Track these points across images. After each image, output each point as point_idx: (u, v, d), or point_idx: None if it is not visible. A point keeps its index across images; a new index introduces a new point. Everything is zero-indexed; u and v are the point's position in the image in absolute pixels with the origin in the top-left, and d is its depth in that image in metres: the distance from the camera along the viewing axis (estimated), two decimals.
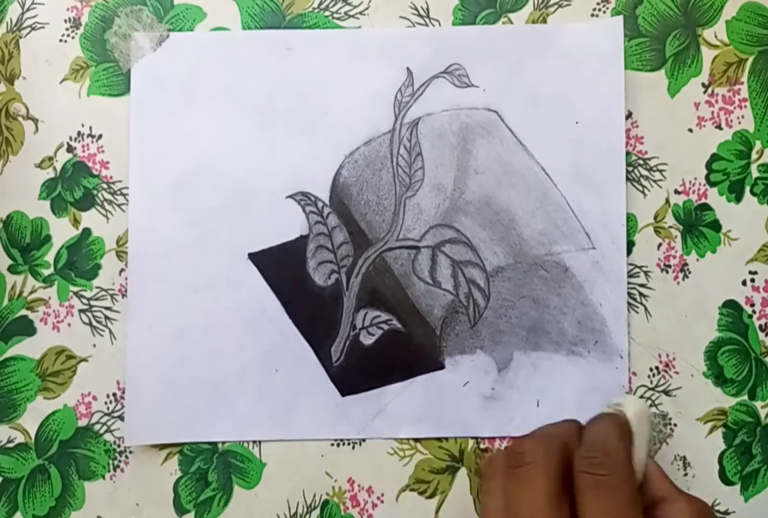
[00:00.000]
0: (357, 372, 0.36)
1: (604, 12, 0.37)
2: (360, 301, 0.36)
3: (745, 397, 0.36)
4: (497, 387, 0.36)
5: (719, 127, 0.37)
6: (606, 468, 0.27)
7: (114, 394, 0.36)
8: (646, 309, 0.36)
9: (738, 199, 0.37)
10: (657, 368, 0.36)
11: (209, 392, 0.36)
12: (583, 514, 0.26)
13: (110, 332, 0.37)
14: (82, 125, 0.38)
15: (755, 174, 0.37)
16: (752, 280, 0.36)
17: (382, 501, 0.36)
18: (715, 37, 0.37)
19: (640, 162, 0.37)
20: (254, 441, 0.36)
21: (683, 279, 0.36)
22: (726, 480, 0.36)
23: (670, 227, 0.37)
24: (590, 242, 0.36)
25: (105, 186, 0.37)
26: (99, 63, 0.38)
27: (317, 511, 0.36)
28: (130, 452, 0.36)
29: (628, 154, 0.37)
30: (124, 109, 0.37)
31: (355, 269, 0.36)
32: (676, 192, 0.37)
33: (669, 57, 0.37)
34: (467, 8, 0.37)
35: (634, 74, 0.37)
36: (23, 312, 0.37)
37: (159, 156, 0.37)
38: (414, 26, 0.37)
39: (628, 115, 0.37)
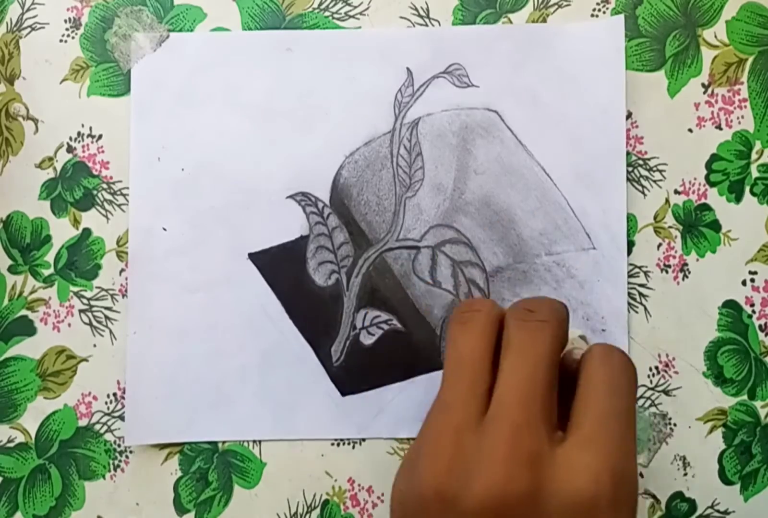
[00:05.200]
0: (357, 372, 0.36)
1: (604, 12, 0.37)
2: (360, 301, 0.36)
3: (745, 397, 0.36)
4: None
5: (719, 127, 0.37)
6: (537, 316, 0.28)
7: (114, 394, 0.37)
8: (646, 309, 0.36)
9: (738, 199, 0.37)
10: (657, 368, 0.36)
11: (209, 392, 0.36)
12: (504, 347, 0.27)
13: (110, 332, 0.37)
14: (82, 125, 0.38)
15: (755, 174, 0.37)
16: (752, 280, 0.36)
17: (382, 501, 0.36)
18: (715, 37, 0.37)
19: (640, 162, 0.37)
20: (254, 441, 0.36)
21: (683, 280, 0.36)
22: (726, 480, 0.36)
23: (670, 227, 0.37)
24: (590, 242, 0.36)
25: (105, 186, 0.37)
26: (99, 63, 0.38)
27: (317, 511, 0.36)
28: (131, 452, 0.36)
29: (628, 154, 0.37)
30: (124, 109, 0.37)
31: (356, 269, 0.36)
32: (676, 192, 0.37)
33: (669, 57, 0.37)
34: (467, 8, 0.37)
35: (634, 74, 0.37)
36: (23, 312, 0.37)
37: (159, 156, 0.37)
38: (414, 26, 0.37)
39: (628, 115, 0.37)
